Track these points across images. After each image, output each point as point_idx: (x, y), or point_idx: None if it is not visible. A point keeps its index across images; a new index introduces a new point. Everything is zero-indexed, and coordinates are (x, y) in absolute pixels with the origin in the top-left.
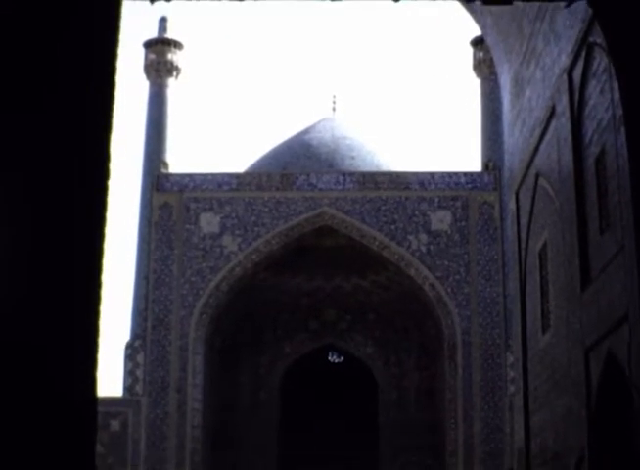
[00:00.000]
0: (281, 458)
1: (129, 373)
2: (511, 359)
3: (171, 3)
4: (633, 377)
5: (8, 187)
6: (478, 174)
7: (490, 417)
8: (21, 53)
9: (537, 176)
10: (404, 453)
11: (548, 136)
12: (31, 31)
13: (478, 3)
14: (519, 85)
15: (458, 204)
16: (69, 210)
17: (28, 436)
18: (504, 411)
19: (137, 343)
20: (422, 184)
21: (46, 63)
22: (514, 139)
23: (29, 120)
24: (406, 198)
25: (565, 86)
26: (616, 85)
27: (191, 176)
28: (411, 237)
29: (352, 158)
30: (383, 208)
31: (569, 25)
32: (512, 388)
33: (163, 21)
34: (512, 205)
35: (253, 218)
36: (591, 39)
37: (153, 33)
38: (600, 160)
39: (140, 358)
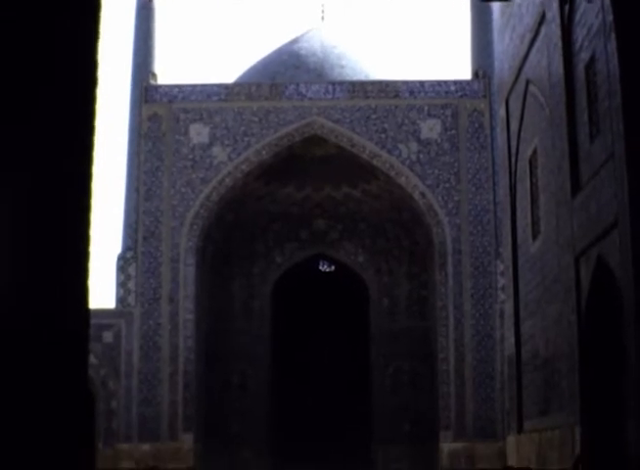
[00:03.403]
0: (273, 367)
1: (121, 285)
2: (501, 267)
3: None
4: (623, 281)
5: None
6: (467, 82)
7: (481, 325)
8: None
9: (527, 83)
10: (396, 361)
11: (538, 43)
12: None
13: None
14: None
15: (448, 112)
16: (58, 118)
17: (20, 348)
18: (495, 319)
19: (129, 254)
20: (411, 92)
21: None
22: (504, 46)
23: (15, 31)
24: (396, 106)
25: None
26: None
27: (180, 87)
28: (401, 146)
29: (341, 67)
30: (373, 116)
31: None
32: (502, 295)
33: None
34: (502, 112)
35: (243, 128)
36: None
37: None
38: (590, 66)
39: (132, 270)
